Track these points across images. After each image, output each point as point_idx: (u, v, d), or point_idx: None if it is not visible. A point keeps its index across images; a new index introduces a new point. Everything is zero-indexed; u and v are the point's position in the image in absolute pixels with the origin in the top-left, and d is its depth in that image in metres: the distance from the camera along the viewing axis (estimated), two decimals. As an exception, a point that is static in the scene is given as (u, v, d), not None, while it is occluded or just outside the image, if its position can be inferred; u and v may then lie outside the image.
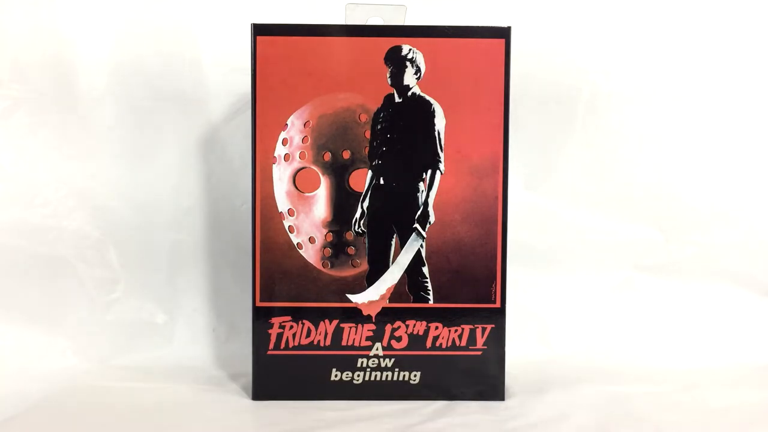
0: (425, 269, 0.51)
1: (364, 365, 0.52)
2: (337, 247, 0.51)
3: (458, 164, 0.50)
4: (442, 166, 0.51)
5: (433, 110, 0.50)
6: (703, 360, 0.61)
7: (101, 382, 0.56)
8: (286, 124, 0.50)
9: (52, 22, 0.61)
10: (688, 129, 0.64)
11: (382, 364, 0.52)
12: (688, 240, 0.64)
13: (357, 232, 0.51)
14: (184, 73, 0.62)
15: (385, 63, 0.50)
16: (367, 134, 0.51)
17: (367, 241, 0.51)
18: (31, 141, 0.62)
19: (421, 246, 0.51)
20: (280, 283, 0.51)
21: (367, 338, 0.51)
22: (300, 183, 0.51)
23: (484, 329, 0.51)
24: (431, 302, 0.51)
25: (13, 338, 0.60)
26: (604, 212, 0.64)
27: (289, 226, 0.51)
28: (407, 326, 0.51)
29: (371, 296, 0.51)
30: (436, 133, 0.50)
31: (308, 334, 0.51)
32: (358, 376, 0.52)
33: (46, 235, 0.62)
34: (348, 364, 0.52)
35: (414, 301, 0.51)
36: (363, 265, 0.51)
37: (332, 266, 0.51)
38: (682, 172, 0.64)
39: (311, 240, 0.51)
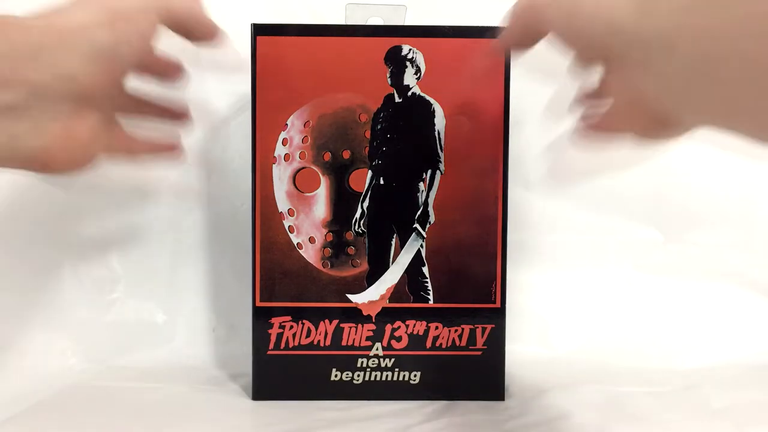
0: (425, 269, 0.51)
1: (364, 365, 0.52)
2: (337, 247, 0.51)
3: (458, 164, 0.50)
4: (442, 166, 0.51)
5: (433, 110, 0.50)
6: (703, 360, 0.61)
7: (101, 382, 0.56)
8: (286, 124, 0.50)
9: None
10: (688, 129, 0.63)
11: (382, 364, 0.52)
12: (688, 240, 0.64)
13: (357, 232, 0.51)
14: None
15: (385, 63, 0.50)
16: (367, 134, 0.51)
17: (367, 241, 0.51)
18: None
19: (421, 246, 0.51)
20: (280, 283, 0.51)
21: (367, 338, 0.51)
22: (300, 183, 0.51)
23: (484, 329, 0.51)
24: (431, 302, 0.51)
25: (13, 338, 0.60)
26: (604, 212, 0.64)
27: (289, 226, 0.51)
28: (407, 326, 0.51)
29: (371, 296, 0.51)
30: (436, 133, 0.50)
31: (308, 334, 0.51)
32: (358, 376, 0.52)
33: (47, 234, 0.62)
34: (348, 364, 0.52)
35: (414, 301, 0.51)
36: (363, 265, 0.51)
37: (332, 266, 0.51)
38: (682, 171, 0.64)
39: (311, 240, 0.51)
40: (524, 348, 0.61)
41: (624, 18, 0.30)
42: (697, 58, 0.26)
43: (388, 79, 0.50)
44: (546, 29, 0.36)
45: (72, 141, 0.37)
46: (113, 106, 0.42)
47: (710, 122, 0.29)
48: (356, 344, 0.51)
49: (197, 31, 0.41)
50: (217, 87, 0.61)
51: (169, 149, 0.47)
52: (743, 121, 0.27)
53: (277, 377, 0.52)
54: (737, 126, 0.27)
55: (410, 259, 0.51)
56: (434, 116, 0.50)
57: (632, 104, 0.32)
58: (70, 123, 0.36)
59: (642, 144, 0.36)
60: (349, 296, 0.51)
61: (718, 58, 0.25)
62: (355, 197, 0.51)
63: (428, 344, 0.52)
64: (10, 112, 0.34)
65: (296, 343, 0.51)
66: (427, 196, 0.51)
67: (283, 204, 0.51)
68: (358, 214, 0.51)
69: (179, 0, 0.40)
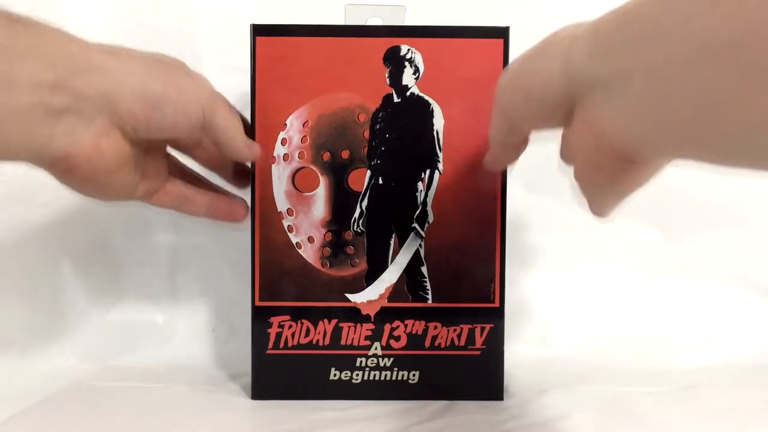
0: (424, 269, 0.51)
1: (363, 365, 0.52)
2: (336, 247, 0.51)
3: (457, 164, 0.50)
4: (440, 165, 0.51)
5: (432, 110, 0.50)
6: (703, 360, 0.61)
7: (101, 382, 0.56)
8: (285, 124, 0.50)
9: (51, 23, 0.62)
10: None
11: (381, 364, 0.52)
12: (688, 240, 0.64)
13: (356, 232, 0.51)
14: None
15: (384, 63, 0.50)
16: (366, 134, 0.51)
17: (365, 241, 0.51)
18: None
19: (420, 245, 0.51)
20: (279, 283, 0.51)
21: (366, 338, 0.51)
22: (299, 183, 0.51)
23: (482, 329, 0.51)
24: (430, 302, 0.51)
25: (13, 338, 0.60)
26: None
27: (288, 226, 0.51)
28: (406, 326, 0.51)
29: (370, 296, 0.51)
30: (435, 133, 0.50)
31: (307, 334, 0.51)
32: (357, 375, 0.52)
33: (47, 235, 0.62)
34: (347, 363, 0.52)
35: (413, 301, 0.51)
36: (362, 265, 0.51)
37: (331, 266, 0.51)
38: (682, 171, 0.64)
39: (310, 239, 0.51)
40: (524, 348, 0.61)
41: (581, 64, 0.31)
42: (654, 89, 0.27)
43: (387, 79, 0.50)
44: (519, 110, 0.37)
45: (98, 155, 0.39)
46: (151, 155, 0.45)
47: (674, 152, 0.29)
48: (355, 344, 0.51)
49: (227, 151, 0.46)
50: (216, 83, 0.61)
51: (229, 214, 0.50)
52: (704, 147, 0.27)
53: (276, 377, 0.52)
54: (699, 152, 0.27)
55: (409, 259, 0.51)
56: (433, 116, 0.50)
57: (597, 150, 0.32)
58: (99, 138, 0.39)
59: (612, 197, 0.36)
60: (348, 296, 0.51)
61: (674, 88, 0.26)
62: (354, 197, 0.51)
63: (427, 344, 0.52)
64: (56, 114, 0.37)
65: (295, 343, 0.51)
66: (426, 195, 0.51)
67: (282, 204, 0.51)
68: (357, 214, 0.51)
69: (223, 117, 0.44)
